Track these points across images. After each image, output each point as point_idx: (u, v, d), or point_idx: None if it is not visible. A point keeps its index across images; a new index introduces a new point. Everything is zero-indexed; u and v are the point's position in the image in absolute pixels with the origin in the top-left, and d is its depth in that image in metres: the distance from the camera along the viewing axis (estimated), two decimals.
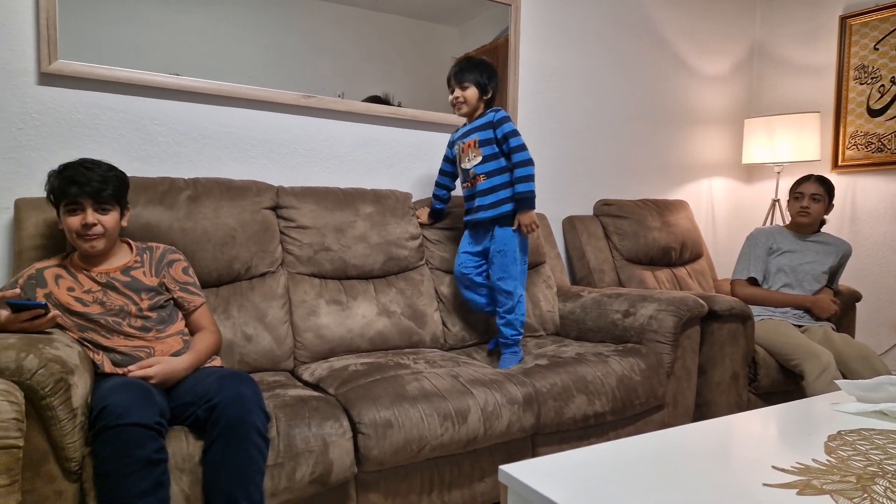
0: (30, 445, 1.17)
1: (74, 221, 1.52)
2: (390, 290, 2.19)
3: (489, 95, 2.09)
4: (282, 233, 2.08)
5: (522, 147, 2.02)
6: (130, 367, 1.47)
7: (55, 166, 1.51)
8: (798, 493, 0.95)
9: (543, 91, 2.92)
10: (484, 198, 2.06)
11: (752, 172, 3.78)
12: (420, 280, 2.26)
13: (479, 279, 2.15)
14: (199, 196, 1.92)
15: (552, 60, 2.94)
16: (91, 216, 1.52)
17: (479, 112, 2.10)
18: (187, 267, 1.73)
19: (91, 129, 1.95)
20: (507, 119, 2.04)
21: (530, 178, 2.01)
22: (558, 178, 3.00)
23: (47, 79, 1.88)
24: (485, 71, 2.07)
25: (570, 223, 2.90)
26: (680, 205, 3.14)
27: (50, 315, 1.37)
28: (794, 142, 3.18)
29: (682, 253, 3.01)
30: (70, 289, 1.54)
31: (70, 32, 1.87)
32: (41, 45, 1.83)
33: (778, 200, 3.37)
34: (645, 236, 2.88)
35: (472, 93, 2.06)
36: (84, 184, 1.50)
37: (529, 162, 2.01)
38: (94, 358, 1.49)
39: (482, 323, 2.31)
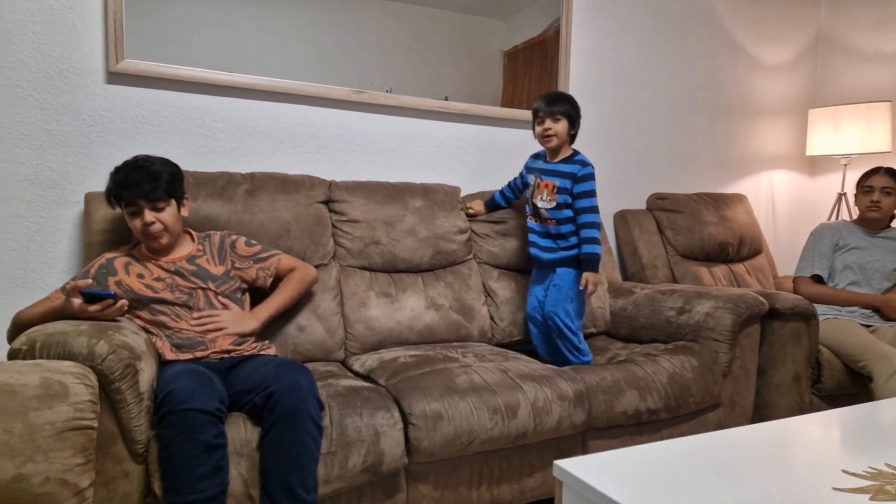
0: (100, 427, 1.23)
1: (136, 223, 1.58)
2: (438, 284, 2.20)
3: (576, 131, 2.06)
4: (334, 226, 2.11)
5: (594, 209, 2.00)
6: (201, 317, 1.55)
7: (121, 162, 1.58)
8: (871, 499, 0.91)
9: (595, 82, 2.86)
10: (552, 241, 2.08)
11: (816, 165, 3.62)
12: (468, 274, 2.26)
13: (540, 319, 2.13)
14: (255, 190, 1.97)
15: (604, 50, 2.88)
16: (148, 216, 1.57)
17: (564, 148, 2.06)
18: (248, 239, 1.79)
19: (155, 125, 2.03)
20: (589, 178, 2.00)
21: (597, 240, 2.00)
22: (610, 171, 2.95)
23: (114, 77, 1.96)
24: (574, 104, 2.05)
25: (622, 217, 2.85)
26: (738, 199, 3.03)
27: (119, 304, 1.44)
28: (862, 133, 3.03)
29: (739, 249, 2.91)
30: (140, 275, 1.61)
31: (134, 32, 1.95)
32: (109, 45, 1.91)
33: (844, 194, 3.22)
34: (700, 231, 2.79)
35: (563, 126, 2.01)
36: (134, 186, 1.55)
37: (598, 226, 2.01)
38: (158, 345, 1.55)
39: None
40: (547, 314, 2.04)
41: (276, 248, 1.85)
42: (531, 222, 2.14)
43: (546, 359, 2.11)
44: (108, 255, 1.65)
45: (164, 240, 1.61)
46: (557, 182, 2.02)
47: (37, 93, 1.87)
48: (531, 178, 2.13)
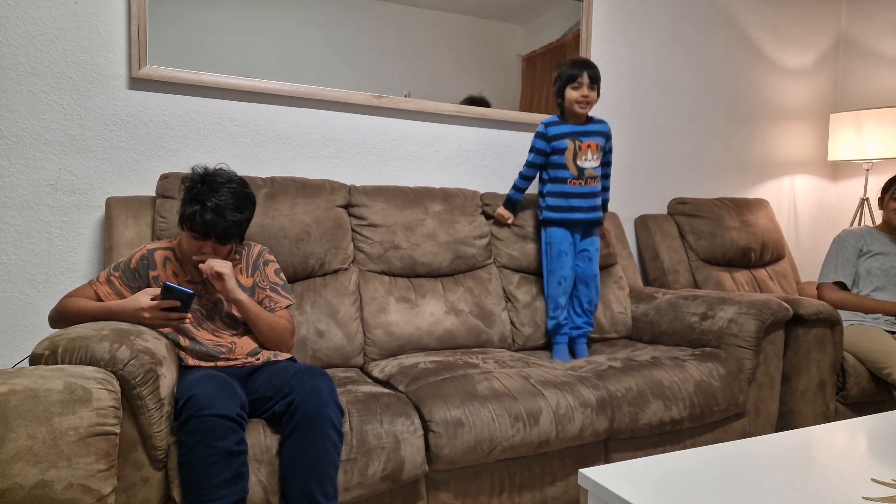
0: (120, 433, 1.22)
1: (192, 245, 1.55)
2: (458, 289, 2.18)
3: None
4: (353, 230, 2.11)
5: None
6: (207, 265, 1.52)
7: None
8: None
9: (615, 87, 2.84)
10: (594, 200, 2.19)
11: (838, 170, 3.56)
12: (488, 279, 2.25)
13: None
14: (276, 194, 1.97)
15: (624, 55, 2.86)
16: (208, 247, 1.54)
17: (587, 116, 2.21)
18: (279, 269, 1.75)
19: (177, 130, 2.04)
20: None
21: None
22: (631, 175, 2.92)
23: (137, 83, 1.97)
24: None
25: (644, 222, 2.82)
26: (760, 203, 2.99)
27: (187, 320, 1.49)
28: (885, 137, 2.99)
29: (762, 254, 2.87)
30: (174, 274, 1.61)
31: (157, 38, 1.96)
32: (132, 51, 1.92)
33: (867, 199, 3.17)
34: (722, 236, 2.76)
35: (595, 95, 2.15)
36: (212, 225, 1.50)
37: None
38: (178, 352, 1.54)
39: None
40: (592, 278, 2.21)
41: (290, 295, 1.75)
42: (574, 186, 2.16)
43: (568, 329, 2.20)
44: (150, 246, 1.63)
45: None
46: (599, 141, 2.18)
47: (60, 98, 1.88)
48: (566, 144, 2.15)
